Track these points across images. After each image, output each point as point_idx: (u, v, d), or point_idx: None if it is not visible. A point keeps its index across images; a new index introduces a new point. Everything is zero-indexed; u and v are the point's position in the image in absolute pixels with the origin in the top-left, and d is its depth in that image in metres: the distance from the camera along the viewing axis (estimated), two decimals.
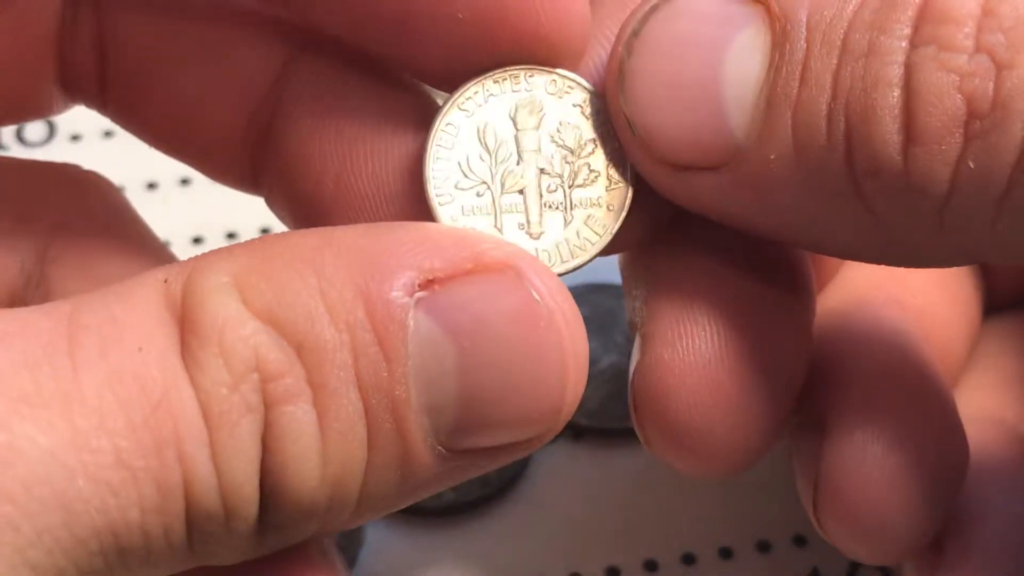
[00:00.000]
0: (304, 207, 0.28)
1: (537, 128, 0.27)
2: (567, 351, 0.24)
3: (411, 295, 0.23)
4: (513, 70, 0.27)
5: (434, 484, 0.24)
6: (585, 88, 0.27)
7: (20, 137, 0.43)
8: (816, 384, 0.29)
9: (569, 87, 0.27)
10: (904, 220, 0.24)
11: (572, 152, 0.27)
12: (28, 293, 0.29)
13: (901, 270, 0.32)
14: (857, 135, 0.24)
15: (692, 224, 0.27)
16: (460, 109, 0.27)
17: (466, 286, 0.23)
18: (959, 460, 0.29)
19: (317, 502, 0.23)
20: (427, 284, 0.23)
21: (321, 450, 0.23)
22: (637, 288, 0.28)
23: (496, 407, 0.24)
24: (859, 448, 0.28)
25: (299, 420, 0.23)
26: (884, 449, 0.28)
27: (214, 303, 0.23)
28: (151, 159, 0.44)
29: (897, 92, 0.24)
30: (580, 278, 0.38)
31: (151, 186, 0.42)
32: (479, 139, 0.27)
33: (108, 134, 0.43)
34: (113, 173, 0.42)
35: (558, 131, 0.27)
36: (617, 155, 0.27)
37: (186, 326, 0.23)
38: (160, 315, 0.23)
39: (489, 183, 0.27)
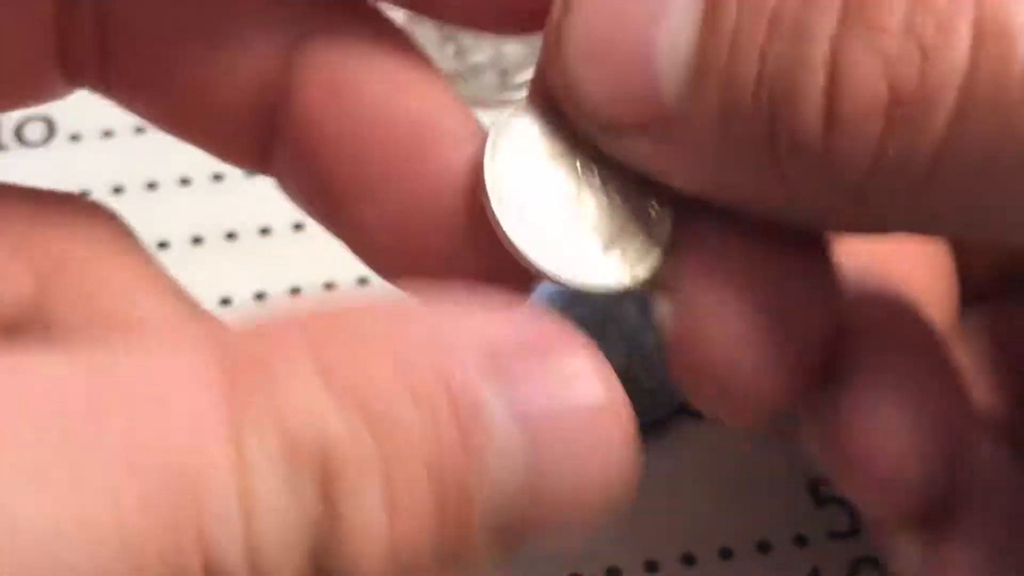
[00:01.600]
0: (316, 186, 0.28)
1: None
2: (626, 449, 0.23)
3: (488, 381, 0.22)
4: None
5: (473, 567, 0.23)
6: None
7: (20, 137, 0.43)
8: None
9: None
10: (824, 195, 0.24)
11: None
12: (27, 326, 0.28)
13: (891, 257, 0.32)
14: (779, 113, 0.24)
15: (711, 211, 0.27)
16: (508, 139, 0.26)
17: (541, 376, 0.22)
18: (959, 409, 0.29)
19: None
20: (500, 369, 0.22)
21: (385, 534, 0.21)
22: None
23: (556, 502, 0.23)
24: (872, 399, 0.28)
25: (364, 506, 0.21)
26: (895, 401, 0.28)
27: (294, 381, 0.21)
28: (151, 159, 0.44)
29: (821, 74, 0.23)
30: None
31: (151, 186, 0.42)
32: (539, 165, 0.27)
33: (108, 134, 0.43)
34: (113, 173, 0.43)
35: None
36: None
37: (245, 397, 0.21)
38: (208, 379, 0.21)
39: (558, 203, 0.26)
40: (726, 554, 0.35)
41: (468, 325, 0.22)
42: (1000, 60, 0.23)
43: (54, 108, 0.44)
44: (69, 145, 0.43)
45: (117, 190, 0.42)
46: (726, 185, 0.26)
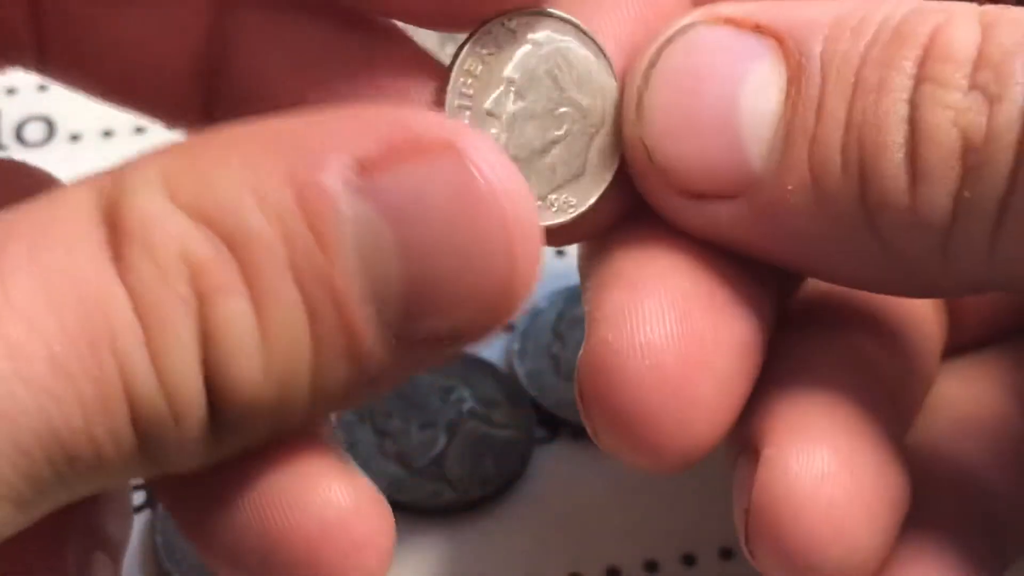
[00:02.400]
0: None
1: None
2: (512, 228, 0.23)
3: (344, 180, 0.22)
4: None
5: (391, 374, 0.24)
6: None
7: (20, 137, 0.43)
8: (755, 404, 0.28)
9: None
10: (913, 251, 0.25)
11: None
12: None
13: (869, 302, 0.32)
14: (869, 170, 0.25)
15: (650, 216, 0.27)
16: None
17: (403, 168, 0.22)
18: (899, 495, 0.28)
19: (264, 398, 0.23)
20: (362, 169, 0.22)
21: (261, 344, 0.22)
22: (590, 277, 0.28)
23: (441, 289, 0.23)
24: (792, 476, 0.27)
25: (235, 314, 0.22)
26: (818, 479, 0.27)
27: (139, 200, 0.22)
28: None
29: (904, 128, 0.25)
30: (573, 278, 0.38)
31: None
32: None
33: (108, 134, 0.43)
34: None
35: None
36: (611, 143, 0.27)
37: (114, 225, 0.22)
38: (90, 216, 0.22)
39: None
40: (726, 554, 0.35)
41: (334, 131, 0.23)
42: None
43: (54, 108, 0.44)
44: (69, 145, 0.43)
45: None
46: (814, 252, 0.26)
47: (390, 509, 0.25)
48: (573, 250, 0.31)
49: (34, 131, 0.44)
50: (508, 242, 0.23)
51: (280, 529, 0.24)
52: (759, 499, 0.27)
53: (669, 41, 0.26)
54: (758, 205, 0.26)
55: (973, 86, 0.24)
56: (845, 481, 0.27)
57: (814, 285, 0.32)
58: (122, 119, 0.43)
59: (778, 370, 0.29)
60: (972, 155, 0.24)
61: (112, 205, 0.22)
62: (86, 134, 0.44)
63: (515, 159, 0.26)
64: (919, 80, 0.25)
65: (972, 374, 0.33)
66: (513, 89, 0.26)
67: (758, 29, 0.26)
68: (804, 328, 0.30)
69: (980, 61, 0.24)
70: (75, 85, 0.30)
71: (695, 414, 0.27)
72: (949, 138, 0.24)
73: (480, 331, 0.24)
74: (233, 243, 0.22)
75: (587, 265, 0.29)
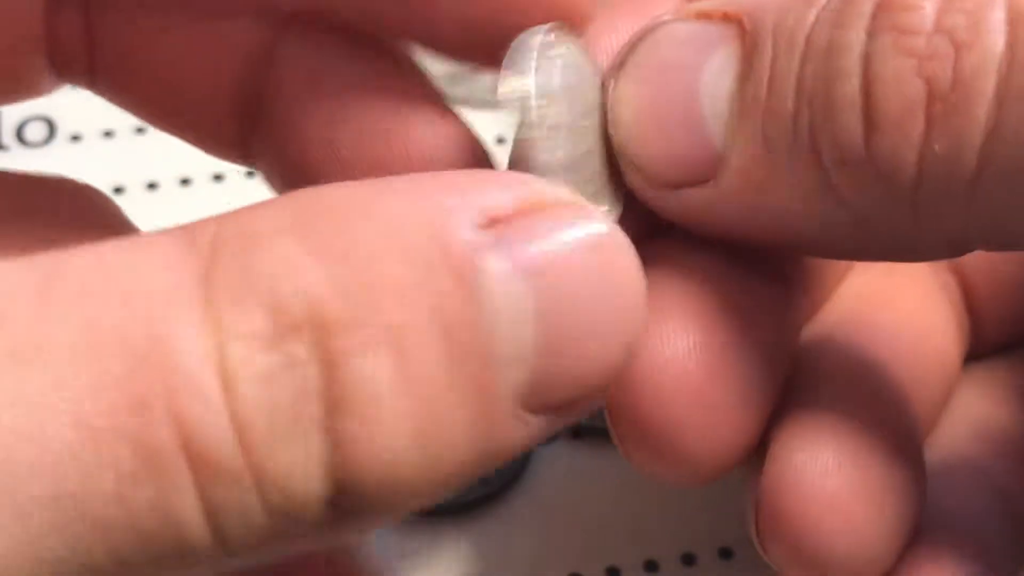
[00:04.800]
0: (295, 176, 0.28)
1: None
2: (635, 274, 0.22)
3: (484, 236, 0.21)
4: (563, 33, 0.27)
5: (510, 450, 0.21)
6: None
7: (20, 137, 0.44)
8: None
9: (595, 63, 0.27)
10: (878, 209, 0.24)
11: (600, 129, 0.27)
12: None
13: (890, 302, 0.32)
14: (820, 128, 0.24)
15: (670, 228, 0.27)
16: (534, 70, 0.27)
17: (533, 222, 0.21)
18: (912, 493, 0.28)
19: (403, 471, 0.20)
20: (492, 224, 0.21)
21: (407, 405, 0.20)
22: None
23: (576, 351, 0.21)
24: (797, 467, 0.27)
25: (374, 373, 0.20)
26: (823, 472, 0.27)
27: (275, 249, 0.20)
28: (151, 159, 0.44)
29: (855, 81, 0.24)
30: None
31: (151, 186, 0.42)
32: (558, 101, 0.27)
33: (108, 134, 0.43)
34: (113, 173, 0.43)
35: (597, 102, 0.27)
36: None
37: (220, 273, 0.20)
38: (175, 261, 0.20)
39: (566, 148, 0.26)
40: (726, 554, 0.35)
41: (462, 190, 0.21)
42: None
43: (54, 108, 0.44)
44: (69, 145, 0.43)
45: (117, 190, 0.42)
46: (784, 225, 0.26)
47: None
48: None
49: (34, 131, 0.44)
50: (639, 295, 0.22)
51: None
52: (766, 492, 0.27)
53: (638, 40, 0.26)
54: (725, 186, 0.26)
55: (938, 29, 0.23)
56: (850, 474, 0.27)
57: (838, 295, 0.32)
58: (122, 119, 0.43)
59: (794, 376, 0.29)
60: (938, 104, 0.23)
61: (220, 252, 0.20)
62: (86, 134, 0.44)
63: (567, 169, 0.26)
64: (874, 32, 0.24)
65: (992, 377, 0.33)
66: (548, 104, 0.27)
67: (725, 17, 0.26)
68: (821, 336, 0.31)
69: (949, 3, 0.23)
70: (122, 105, 0.30)
71: (721, 423, 0.27)
72: (911, 87, 0.23)
73: (600, 395, 0.22)
74: (379, 296, 0.20)
75: None
